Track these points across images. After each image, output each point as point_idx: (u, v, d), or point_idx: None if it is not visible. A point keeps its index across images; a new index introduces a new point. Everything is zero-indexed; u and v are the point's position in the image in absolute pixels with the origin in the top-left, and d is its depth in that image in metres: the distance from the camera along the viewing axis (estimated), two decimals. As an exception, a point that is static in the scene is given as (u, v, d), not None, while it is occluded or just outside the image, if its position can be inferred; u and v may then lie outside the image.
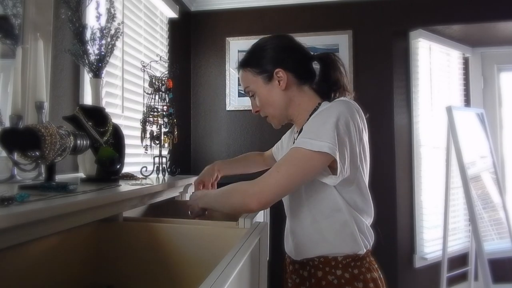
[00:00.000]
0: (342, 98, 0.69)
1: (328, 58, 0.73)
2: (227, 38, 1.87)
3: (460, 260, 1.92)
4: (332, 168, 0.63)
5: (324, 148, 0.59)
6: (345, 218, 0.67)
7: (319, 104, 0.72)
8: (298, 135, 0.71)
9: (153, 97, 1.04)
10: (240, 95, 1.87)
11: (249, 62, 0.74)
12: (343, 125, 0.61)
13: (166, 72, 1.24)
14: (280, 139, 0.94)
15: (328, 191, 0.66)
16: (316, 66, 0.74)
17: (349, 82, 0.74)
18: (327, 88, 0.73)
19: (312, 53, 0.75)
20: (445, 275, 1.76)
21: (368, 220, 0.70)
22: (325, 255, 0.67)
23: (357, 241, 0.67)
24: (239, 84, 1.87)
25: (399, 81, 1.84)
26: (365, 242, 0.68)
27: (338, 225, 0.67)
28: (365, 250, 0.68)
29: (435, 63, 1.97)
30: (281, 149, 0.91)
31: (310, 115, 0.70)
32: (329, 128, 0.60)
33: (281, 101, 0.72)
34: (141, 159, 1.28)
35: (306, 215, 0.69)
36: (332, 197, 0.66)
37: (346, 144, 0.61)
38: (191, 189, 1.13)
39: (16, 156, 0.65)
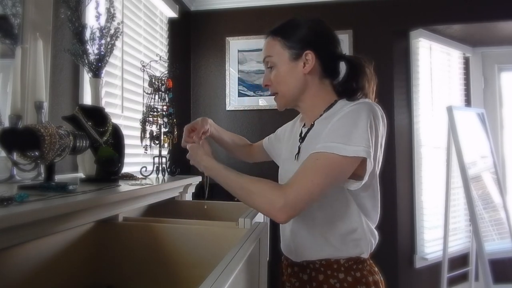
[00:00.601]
0: (367, 100, 0.64)
1: (358, 64, 0.68)
2: (227, 38, 1.87)
3: (460, 260, 1.92)
4: (353, 173, 0.59)
5: (361, 152, 0.55)
6: (353, 222, 0.64)
7: (335, 101, 0.67)
8: (309, 129, 0.68)
9: (153, 97, 1.04)
10: (240, 95, 1.87)
11: (282, 32, 0.68)
12: (373, 129, 0.57)
13: (166, 72, 1.24)
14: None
15: (341, 194, 0.63)
16: (343, 66, 0.69)
17: (373, 92, 0.69)
18: (350, 90, 0.67)
19: (344, 53, 0.70)
20: (445, 275, 1.75)
21: (373, 224, 0.68)
22: (328, 258, 0.65)
23: (361, 245, 0.65)
24: (239, 84, 1.87)
25: (399, 81, 1.84)
26: (369, 245, 0.66)
27: (345, 229, 0.64)
28: (368, 254, 0.66)
29: (436, 63, 1.97)
30: (276, 142, 0.86)
31: (325, 111, 0.67)
32: (363, 130, 0.56)
33: (299, 84, 0.67)
34: (141, 159, 1.28)
35: (312, 216, 0.65)
36: (344, 200, 0.63)
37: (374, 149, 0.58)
38: (191, 189, 1.13)
39: (15, 156, 0.64)
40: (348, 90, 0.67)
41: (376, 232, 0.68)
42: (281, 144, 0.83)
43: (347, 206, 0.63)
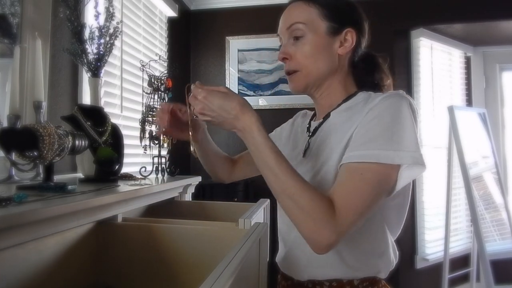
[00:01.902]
0: (400, 91, 0.51)
1: (376, 59, 0.61)
2: (227, 37, 1.87)
3: (462, 261, 1.91)
4: None
5: (417, 159, 0.45)
6: (375, 238, 0.53)
7: (356, 92, 0.57)
8: (322, 121, 0.57)
9: (152, 96, 1.04)
10: (240, 94, 1.87)
11: (325, 2, 0.56)
12: (415, 126, 0.48)
13: (166, 72, 1.23)
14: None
15: None
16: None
17: (390, 85, 0.61)
18: (371, 85, 0.59)
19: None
20: (446, 276, 1.75)
21: (394, 237, 0.57)
22: (339, 278, 0.53)
23: (380, 264, 0.54)
24: (239, 84, 1.87)
25: (400, 81, 1.83)
26: (389, 265, 0.55)
27: (364, 246, 0.52)
28: (387, 274, 0.55)
29: (437, 62, 1.96)
30: (279, 139, 0.70)
31: (343, 101, 0.56)
32: (411, 131, 0.46)
33: (330, 65, 0.55)
34: (140, 159, 1.27)
35: None
36: None
37: None
38: (191, 190, 1.13)
39: (14, 156, 0.64)
40: (368, 84, 0.59)
41: (396, 248, 0.57)
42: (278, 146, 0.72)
43: (370, 218, 0.50)
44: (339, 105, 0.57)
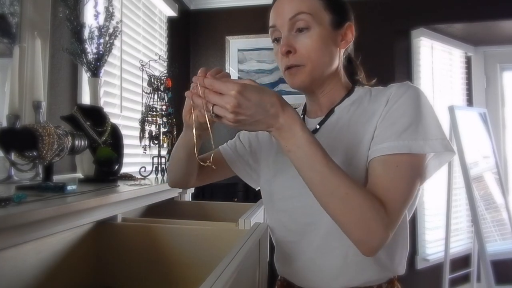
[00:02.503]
0: (408, 82, 0.51)
1: (349, 56, 0.60)
2: (226, 37, 1.86)
3: (462, 261, 1.90)
4: None
5: (449, 146, 0.45)
6: (400, 228, 0.49)
7: (352, 88, 0.56)
8: (325, 118, 0.54)
9: (152, 96, 1.03)
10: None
11: None
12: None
13: (165, 71, 1.23)
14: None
15: None
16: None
17: (364, 78, 0.60)
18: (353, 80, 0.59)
19: None
20: (447, 276, 1.74)
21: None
22: (372, 281, 0.49)
23: (404, 258, 0.51)
24: (239, 84, 1.86)
25: (400, 80, 1.81)
26: (404, 260, 0.52)
27: (394, 238, 0.46)
28: (404, 270, 0.52)
29: (437, 62, 1.95)
30: (248, 149, 0.64)
31: (346, 96, 0.54)
32: (434, 118, 0.46)
33: (333, 59, 0.52)
34: (140, 159, 1.27)
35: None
36: None
37: None
38: (190, 190, 1.12)
39: (13, 156, 0.64)
40: (353, 79, 0.58)
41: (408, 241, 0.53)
42: (261, 149, 0.62)
43: None
44: (341, 100, 0.55)
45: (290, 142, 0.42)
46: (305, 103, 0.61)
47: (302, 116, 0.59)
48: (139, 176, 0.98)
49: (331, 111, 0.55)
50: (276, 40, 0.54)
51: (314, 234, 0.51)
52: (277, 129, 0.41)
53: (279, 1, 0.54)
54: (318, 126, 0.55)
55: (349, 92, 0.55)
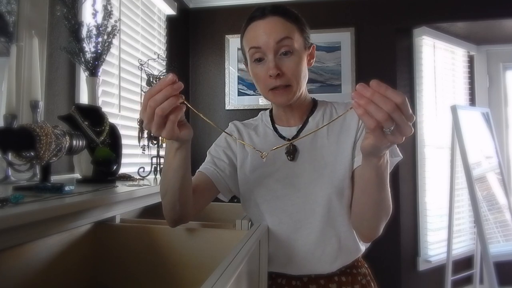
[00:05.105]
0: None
1: None
2: (226, 36, 1.85)
3: (465, 263, 1.89)
4: None
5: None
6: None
7: (314, 100, 0.67)
8: (303, 126, 0.63)
9: (151, 96, 1.02)
10: (239, 94, 1.85)
11: (293, 16, 0.59)
12: None
13: (164, 71, 1.22)
14: None
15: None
16: None
17: None
18: None
19: None
20: (449, 278, 1.73)
21: None
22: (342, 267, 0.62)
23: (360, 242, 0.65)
24: (238, 83, 1.85)
25: (402, 80, 1.81)
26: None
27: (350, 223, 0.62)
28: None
29: (440, 61, 1.94)
30: (227, 163, 0.64)
31: (312, 109, 0.65)
32: None
33: (306, 76, 0.61)
34: (139, 159, 1.26)
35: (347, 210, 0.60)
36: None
37: None
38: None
39: (10, 156, 0.63)
40: None
41: None
42: (243, 159, 0.65)
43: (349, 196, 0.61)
44: (311, 111, 0.65)
45: (384, 160, 0.48)
46: (271, 113, 0.70)
47: (272, 125, 0.67)
48: (138, 177, 0.97)
49: (306, 121, 0.64)
50: (258, 60, 0.59)
51: (310, 228, 0.61)
52: (385, 156, 0.49)
53: (262, 24, 0.58)
54: (295, 133, 0.64)
55: (315, 105, 0.66)
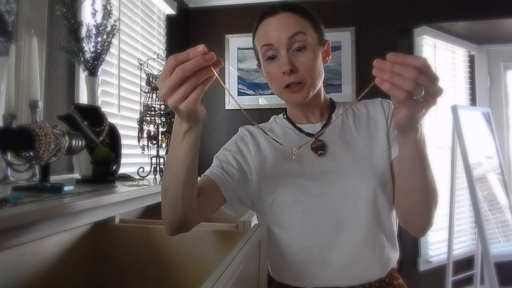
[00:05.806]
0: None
1: None
2: (226, 35, 1.85)
3: (465, 263, 1.89)
4: None
5: None
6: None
7: (331, 100, 0.66)
8: (326, 123, 0.61)
9: (150, 96, 1.02)
10: (239, 93, 1.85)
11: (307, 13, 0.58)
12: None
13: (165, 71, 1.21)
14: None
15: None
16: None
17: None
18: None
19: None
20: (450, 278, 1.73)
21: None
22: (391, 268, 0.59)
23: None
24: (238, 83, 1.85)
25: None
26: None
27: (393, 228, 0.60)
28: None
29: (440, 61, 1.94)
30: (238, 167, 0.59)
31: (335, 106, 0.63)
32: None
33: (322, 73, 0.59)
34: (138, 159, 1.26)
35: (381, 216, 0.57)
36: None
37: None
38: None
39: (9, 156, 0.63)
40: None
41: None
42: (250, 161, 0.60)
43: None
44: (332, 106, 0.64)
45: (417, 138, 0.47)
46: (285, 115, 0.66)
47: (292, 124, 0.64)
48: (137, 177, 0.97)
49: (329, 117, 0.63)
50: (271, 58, 0.57)
51: (355, 227, 0.55)
52: (420, 128, 0.47)
53: (273, 20, 0.56)
54: (320, 129, 0.61)
55: (333, 104, 0.65)
